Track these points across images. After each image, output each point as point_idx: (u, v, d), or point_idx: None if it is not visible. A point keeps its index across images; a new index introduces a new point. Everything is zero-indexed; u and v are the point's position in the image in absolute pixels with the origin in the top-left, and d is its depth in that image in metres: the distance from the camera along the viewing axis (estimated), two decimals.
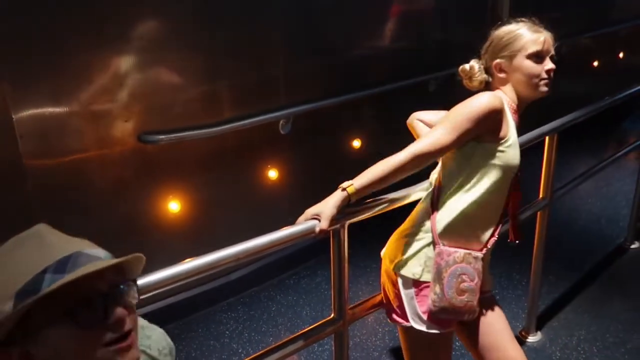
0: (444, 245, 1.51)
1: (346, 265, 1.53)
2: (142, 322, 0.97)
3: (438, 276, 1.50)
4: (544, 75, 1.52)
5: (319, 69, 3.12)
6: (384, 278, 1.67)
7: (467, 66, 1.60)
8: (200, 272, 1.23)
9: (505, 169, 1.50)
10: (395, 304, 1.61)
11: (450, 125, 1.45)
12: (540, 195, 2.39)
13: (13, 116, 2.13)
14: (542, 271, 2.51)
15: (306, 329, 1.58)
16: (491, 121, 1.46)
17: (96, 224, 2.40)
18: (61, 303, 0.74)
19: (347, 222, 1.51)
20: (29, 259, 0.77)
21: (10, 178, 2.18)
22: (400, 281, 1.58)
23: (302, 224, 1.43)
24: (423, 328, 1.54)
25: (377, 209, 1.60)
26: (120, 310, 0.77)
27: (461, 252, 1.50)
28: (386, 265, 1.64)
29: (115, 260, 0.78)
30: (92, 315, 0.76)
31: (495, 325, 1.63)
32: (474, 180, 1.51)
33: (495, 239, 1.56)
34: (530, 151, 2.01)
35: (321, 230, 1.41)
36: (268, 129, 2.86)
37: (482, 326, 1.61)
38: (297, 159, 3.10)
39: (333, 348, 1.69)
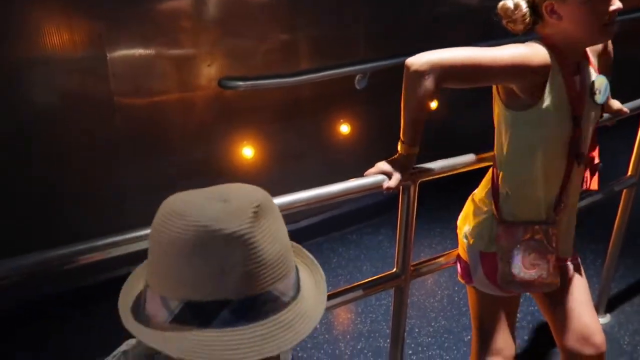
0: (507, 221, 1.47)
1: (413, 221, 1.53)
2: None
3: (503, 254, 1.47)
4: (608, 18, 1.27)
5: (399, 24, 3.04)
6: (459, 237, 1.66)
7: (509, 3, 1.34)
8: None
9: (549, 136, 1.38)
10: (463, 265, 1.61)
11: (477, 53, 1.29)
12: (629, 173, 2.24)
13: (107, 55, 2.26)
14: (619, 253, 2.39)
15: (367, 280, 1.61)
16: (525, 80, 1.32)
17: (174, 162, 2.55)
18: None
19: (419, 180, 1.50)
20: (211, 269, 0.65)
21: (101, 113, 2.33)
22: (467, 247, 1.57)
23: (371, 177, 1.44)
24: (488, 291, 1.53)
25: (448, 169, 1.58)
26: None
27: (526, 227, 1.45)
28: (459, 228, 1.62)
29: (301, 338, 0.67)
30: None
31: (573, 295, 1.57)
32: (521, 151, 1.42)
33: (564, 206, 1.47)
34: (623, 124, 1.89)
35: (388, 187, 1.41)
36: (344, 83, 2.85)
37: (560, 295, 1.57)
38: (371, 115, 3.08)
39: (392, 303, 1.72)
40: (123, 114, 2.38)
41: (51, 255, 1.06)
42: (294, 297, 0.71)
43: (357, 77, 2.85)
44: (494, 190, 1.49)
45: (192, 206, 0.67)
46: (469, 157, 1.62)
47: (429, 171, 1.52)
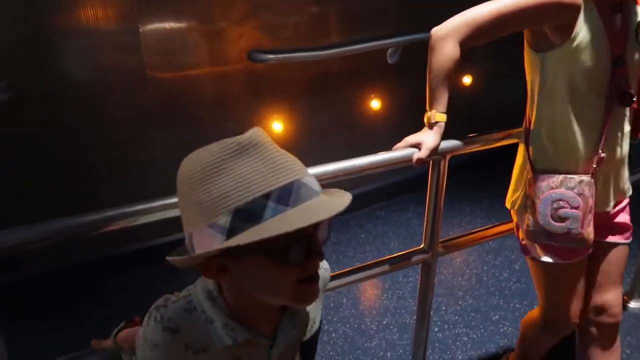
0: (539, 172, 1.43)
1: (442, 196, 1.51)
2: None
3: (531, 204, 1.43)
4: None
5: None
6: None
7: None
8: None
9: (582, 74, 1.32)
10: (519, 236, 1.59)
11: (501, 2, 1.27)
12: None
13: (139, 27, 2.27)
14: None
15: (394, 255, 1.60)
16: (556, 18, 1.27)
17: (204, 134, 2.56)
18: (270, 240, 0.68)
19: (449, 155, 1.47)
20: (251, 173, 0.70)
21: (133, 84, 2.35)
22: (515, 214, 1.55)
23: (400, 151, 1.41)
24: (541, 258, 1.51)
25: (480, 144, 1.54)
26: (317, 254, 0.73)
27: (558, 177, 1.39)
28: (507, 199, 1.59)
29: (337, 210, 0.70)
30: (299, 255, 0.72)
31: (607, 262, 1.54)
32: (554, 91, 1.36)
33: (604, 156, 1.40)
34: None
35: (419, 160, 1.38)
36: (375, 57, 2.80)
37: (590, 260, 1.54)
38: (403, 90, 3.02)
39: (419, 279, 1.71)
40: (155, 86, 2.40)
41: (82, 220, 1.08)
42: (321, 190, 0.75)
43: (389, 51, 2.79)
44: (526, 136, 1.45)
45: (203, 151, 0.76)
46: (501, 133, 1.58)
47: (459, 145, 1.48)
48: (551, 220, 1.39)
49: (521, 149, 1.53)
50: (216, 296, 0.83)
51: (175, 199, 1.14)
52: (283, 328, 0.86)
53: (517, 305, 2.46)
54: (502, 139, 1.58)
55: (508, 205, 1.57)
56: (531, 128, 1.45)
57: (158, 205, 1.13)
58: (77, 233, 1.08)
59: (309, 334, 0.92)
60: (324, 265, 0.95)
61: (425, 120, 1.38)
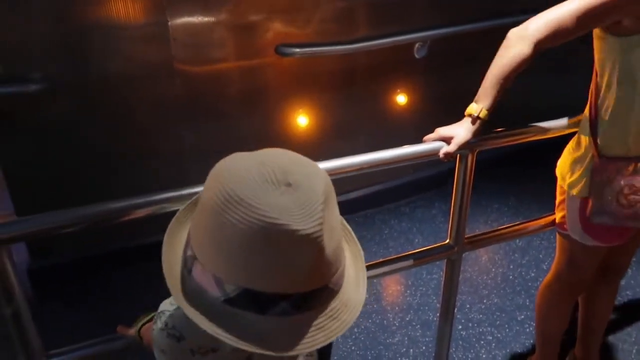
0: (605, 158, 1.40)
1: (469, 191, 1.48)
2: None
3: (597, 192, 1.41)
4: None
5: None
6: (558, 185, 1.62)
7: None
8: None
9: None
10: (561, 213, 1.58)
11: (579, 5, 1.25)
12: None
13: (168, 20, 2.30)
14: None
15: (418, 250, 1.59)
16: (633, 9, 1.24)
17: (230, 127, 2.58)
18: None
19: (477, 149, 1.44)
20: (277, 264, 0.64)
21: (161, 76, 2.38)
22: (569, 195, 1.53)
23: (428, 144, 1.40)
24: (577, 238, 1.53)
25: (508, 139, 1.51)
26: None
27: (629, 163, 1.38)
28: (559, 179, 1.58)
29: (350, 323, 0.69)
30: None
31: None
32: (623, 80, 1.33)
33: None
34: None
35: (446, 154, 1.36)
36: (402, 51, 2.77)
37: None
38: (429, 85, 2.99)
39: (443, 276, 1.69)
40: (183, 79, 2.43)
41: (111, 207, 1.10)
42: (342, 285, 0.71)
43: (416, 46, 2.75)
44: (592, 124, 1.41)
45: (254, 192, 0.63)
46: (531, 128, 1.54)
47: (488, 140, 1.45)
48: (621, 208, 1.39)
49: (577, 137, 1.51)
50: None
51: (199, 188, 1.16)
52: None
53: None
54: (537, 133, 1.54)
55: (562, 181, 1.55)
56: (599, 115, 1.41)
57: (186, 194, 1.14)
58: (106, 219, 1.10)
59: None
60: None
61: (467, 111, 1.36)
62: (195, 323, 0.67)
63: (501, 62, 1.30)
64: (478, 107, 1.33)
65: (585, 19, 1.27)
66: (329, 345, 0.96)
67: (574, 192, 1.48)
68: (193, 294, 0.68)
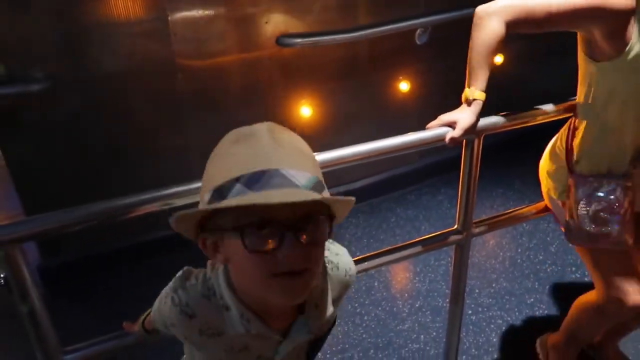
0: (579, 172, 1.41)
1: (477, 176, 1.48)
2: (328, 244, 0.93)
3: (573, 204, 1.41)
4: None
5: None
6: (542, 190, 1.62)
7: None
8: (330, 165, 1.27)
9: (633, 88, 1.29)
10: (562, 228, 1.57)
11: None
12: None
13: (168, 15, 2.29)
14: None
15: (426, 236, 1.59)
16: (604, 25, 1.24)
17: (234, 121, 2.58)
18: (236, 218, 0.71)
19: (483, 134, 1.44)
20: (236, 158, 0.74)
21: (163, 72, 2.38)
22: (549, 199, 1.54)
23: (433, 130, 1.39)
24: (586, 243, 1.50)
25: (515, 122, 1.51)
26: (292, 248, 0.70)
27: (598, 180, 1.38)
28: (541, 180, 1.59)
29: (304, 198, 0.68)
30: (259, 241, 0.71)
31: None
32: (608, 100, 1.34)
33: None
34: None
35: (452, 139, 1.36)
36: (404, 38, 2.75)
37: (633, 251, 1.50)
38: (432, 72, 2.98)
39: (451, 261, 1.69)
40: (184, 74, 2.42)
41: (118, 203, 1.10)
42: (308, 188, 0.72)
43: (417, 32, 2.74)
44: (569, 141, 1.42)
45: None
46: (537, 110, 1.53)
47: (494, 124, 1.45)
48: (591, 224, 1.39)
49: (555, 144, 1.52)
50: (234, 284, 0.83)
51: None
52: (297, 329, 0.85)
53: (553, 289, 2.41)
54: (541, 115, 1.53)
55: (542, 178, 1.54)
56: (578, 131, 1.42)
57: (193, 188, 1.15)
58: (114, 216, 1.10)
59: (320, 332, 0.92)
60: (345, 267, 0.93)
61: (463, 97, 1.36)
62: (208, 303, 0.81)
63: (478, 43, 1.31)
64: (471, 90, 1.34)
65: (553, 16, 1.26)
66: (320, 347, 0.96)
67: (554, 195, 1.48)
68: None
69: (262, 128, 0.78)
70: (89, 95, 2.30)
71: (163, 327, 0.94)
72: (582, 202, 1.39)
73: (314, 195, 0.70)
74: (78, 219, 1.08)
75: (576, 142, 1.44)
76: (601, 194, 1.37)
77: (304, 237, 0.71)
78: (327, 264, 0.89)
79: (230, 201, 0.70)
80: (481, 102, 1.34)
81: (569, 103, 1.53)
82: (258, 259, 0.72)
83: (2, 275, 1.06)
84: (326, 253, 0.89)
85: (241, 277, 0.80)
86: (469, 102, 1.34)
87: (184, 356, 1.04)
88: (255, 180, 0.71)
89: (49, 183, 2.35)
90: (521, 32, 1.31)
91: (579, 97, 1.44)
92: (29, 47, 2.13)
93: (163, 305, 0.88)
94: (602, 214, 1.38)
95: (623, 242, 1.42)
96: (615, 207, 1.37)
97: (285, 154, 0.74)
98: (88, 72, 2.26)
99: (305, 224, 0.71)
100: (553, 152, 1.54)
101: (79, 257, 2.55)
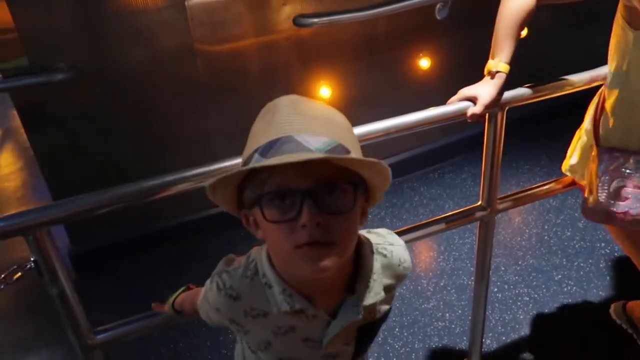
0: (605, 147, 1.35)
1: (500, 150, 1.45)
2: (384, 232, 0.94)
3: (594, 178, 1.36)
4: None
5: None
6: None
7: None
8: None
9: None
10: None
11: None
12: None
13: (185, 0, 2.29)
14: None
15: (450, 213, 1.57)
16: None
17: (253, 105, 2.58)
18: (256, 190, 0.72)
19: (507, 107, 1.40)
20: (259, 132, 0.75)
21: (182, 58, 2.39)
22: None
23: (454, 104, 1.37)
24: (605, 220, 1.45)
25: (539, 94, 1.46)
26: (312, 217, 0.68)
27: (626, 155, 1.33)
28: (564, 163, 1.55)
29: (315, 156, 0.67)
30: (277, 212, 0.70)
31: None
32: (636, 71, 1.27)
33: None
34: None
35: (473, 115, 1.33)
36: (423, 13, 2.70)
37: None
38: (453, 47, 2.91)
39: (476, 239, 1.67)
40: (203, 59, 2.43)
41: (143, 186, 1.12)
42: (323, 152, 0.70)
43: (437, 6, 2.68)
44: (597, 112, 1.37)
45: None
46: (563, 81, 1.49)
47: (518, 96, 1.41)
48: (610, 200, 1.34)
49: (586, 119, 1.46)
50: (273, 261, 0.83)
51: (227, 163, 1.18)
52: (347, 308, 0.83)
53: (582, 264, 2.37)
54: (567, 86, 1.49)
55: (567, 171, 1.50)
56: (607, 102, 1.36)
57: (218, 168, 1.16)
58: (139, 198, 1.12)
59: (370, 318, 0.88)
60: (400, 257, 0.90)
61: (485, 70, 1.32)
62: (251, 283, 0.82)
63: (506, 13, 1.26)
64: (495, 61, 1.30)
65: None
66: (371, 337, 0.94)
67: (563, 168, 1.44)
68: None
69: (284, 100, 0.78)
70: (111, 84, 2.32)
71: (205, 317, 0.95)
72: (604, 177, 1.34)
73: (320, 155, 0.68)
74: (100, 203, 1.09)
75: (605, 113, 1.39)
76: (629, 171, 1.32)
77: (324, 205, 0.70)
78: (381, 250, 0.88)
79: (242, 169, 0.72)
80: (505, 75, 1.31)
81: (598, 73, 1.48)
82: (281, 230, 0.72)
83: (32, 259, 1.09)
84: (379, 240, 0.89)
85: (273, 252, 0.80)
86: (492, 75, 1.31)
87: (237, 344, 1.04)
88: (269, 147, 0.71)
89: (76, 171, 2.39)
90: (553, 2, 1.26)
91: (611, 66, 1.38)
92: (50, 38, 2.16)
93: (209, 292, 0.89)
94: (625, 190, 1.33)
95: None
96: (637, 182, 1.32)
97: (301, 121, 0.73)
98: (109, 60, 2.29)
99: (326, 192, 0.70)
100: (581, 132, 1.48)
101: (109, 243, 2.61)
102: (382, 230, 0.95)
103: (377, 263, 0.86)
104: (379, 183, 0.77)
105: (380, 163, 0.71)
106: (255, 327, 0.85)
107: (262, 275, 0.83)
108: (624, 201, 1.33)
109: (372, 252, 0.86)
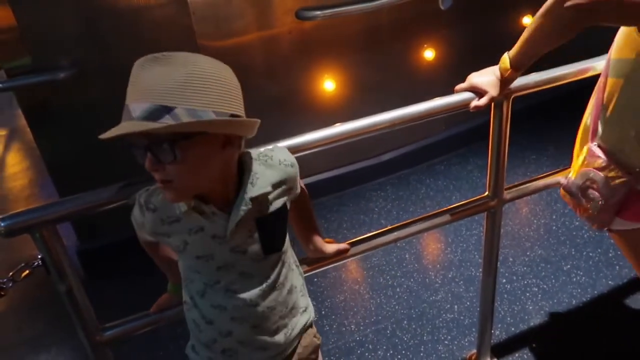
0: (596, 144, 1.31)
1: (507, 139, 1.44)
2: (272, 146, 1.13)
3: (578, 164, 1.36)
4: None
5: None
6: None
7: None
8: (355, 135, 1.26)
9: None
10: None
11: None
12: None
13: None
14: None
15: (457, 204, 1.56)
16: None
17: (257, 98, 2.57)
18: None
19: (512, 95, 1.39)
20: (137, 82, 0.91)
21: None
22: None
23: (459, 95, 1.36)
24: (618, 226, 1.41)
25: (546, 82, 1.45)
26: (150, 164, 0.88)
27: (606, 161, 1.28)
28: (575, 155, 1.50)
29: (115, 134, 0.85)
30: (139, 159, 0.91)
31: None
32: (631, 79, 1.22)
33: None
34: None
35: (476, 107, 1.33)
36: (426, 4, 2.67)
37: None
38: (457, 38, 2.89)
39: (483, 230, 1.66)
40: (206, 54, 2.41)
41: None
42: (141, 119, 0.85)
43: None
44: (597, 105, 1.34)
45: None
46: (569, 69, 1.47)
47: (524, 85, 1.39)
48: (579, 193, 1.34)
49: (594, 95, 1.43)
50: None
51: None
52: (237, 204, 0.98)
53: (591, 254, 2.35)
54: (573, 75, 1.47)
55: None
56: (607, 95, 1.31)
57: None
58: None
59: (265, 211, 1.02)
60: (279, 157, 1.07)
61: (501, 62, 1.30)
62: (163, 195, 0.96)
63: (545, 33, 1.16)
64: (511, 71, 1.28)
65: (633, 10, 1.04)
66: (272, 229, 1.05)
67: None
68: None
69: (137, 63, 0.90)
70: (115, 80, 2.31)
71: (142, 242, 1.15)
72: (582, 171, 1.32)
73: (131, 127, 0.84)
74: (106, 200, 1.10)
75: (604, 105, 1.32)
76: (600, 175, 1.28)
77: (157, 157, 0.87)
78: (262, 158, 1.04)
79: (106, 135, 0.88)
80: (514, 79, 1.31)
81: (604, 61, 1.46)
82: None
83: (39, 257, 1.09)
84: (263, 150, 1.07)
85: None
86: (503, 77, 1.30)
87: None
88: (126, 111, 0.88)
89: (81, 169, 2.40)
90: (597, 24, 1.13)
91: (615, 52, 1.32)
92: (53, 37, 2.16)
93: (135, 213, 1.04)
94: (591, 192, 1.31)
95: (600, 226, 1.37)
96: (605, 194, 1.29)
97: (132, 90, 0.88)
98: (112, 56, 2.28)
99: (156, 147, 0.86)
100: (582, 127, 1.44)
101: (116, 240, 2.61)
102: (273, 146, 1.14)
103: (260, 166, 1.02)
104: (213, 129, 0.91)
105: (171, 126, 0.83)
106: (173, 231, 1.00)
107: None
108: (588, 202, 1.32)
109: (252, 159, 1.02)
